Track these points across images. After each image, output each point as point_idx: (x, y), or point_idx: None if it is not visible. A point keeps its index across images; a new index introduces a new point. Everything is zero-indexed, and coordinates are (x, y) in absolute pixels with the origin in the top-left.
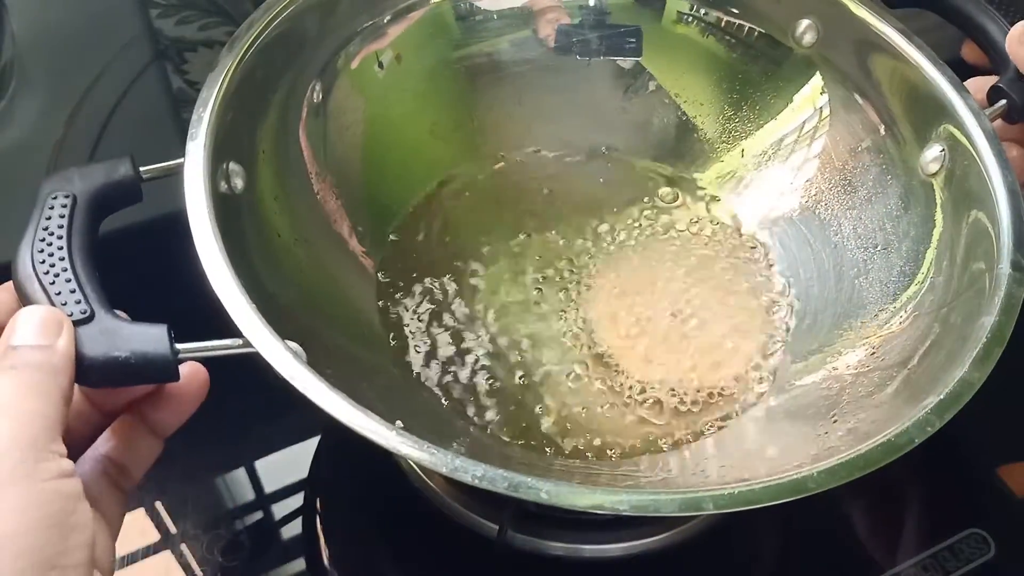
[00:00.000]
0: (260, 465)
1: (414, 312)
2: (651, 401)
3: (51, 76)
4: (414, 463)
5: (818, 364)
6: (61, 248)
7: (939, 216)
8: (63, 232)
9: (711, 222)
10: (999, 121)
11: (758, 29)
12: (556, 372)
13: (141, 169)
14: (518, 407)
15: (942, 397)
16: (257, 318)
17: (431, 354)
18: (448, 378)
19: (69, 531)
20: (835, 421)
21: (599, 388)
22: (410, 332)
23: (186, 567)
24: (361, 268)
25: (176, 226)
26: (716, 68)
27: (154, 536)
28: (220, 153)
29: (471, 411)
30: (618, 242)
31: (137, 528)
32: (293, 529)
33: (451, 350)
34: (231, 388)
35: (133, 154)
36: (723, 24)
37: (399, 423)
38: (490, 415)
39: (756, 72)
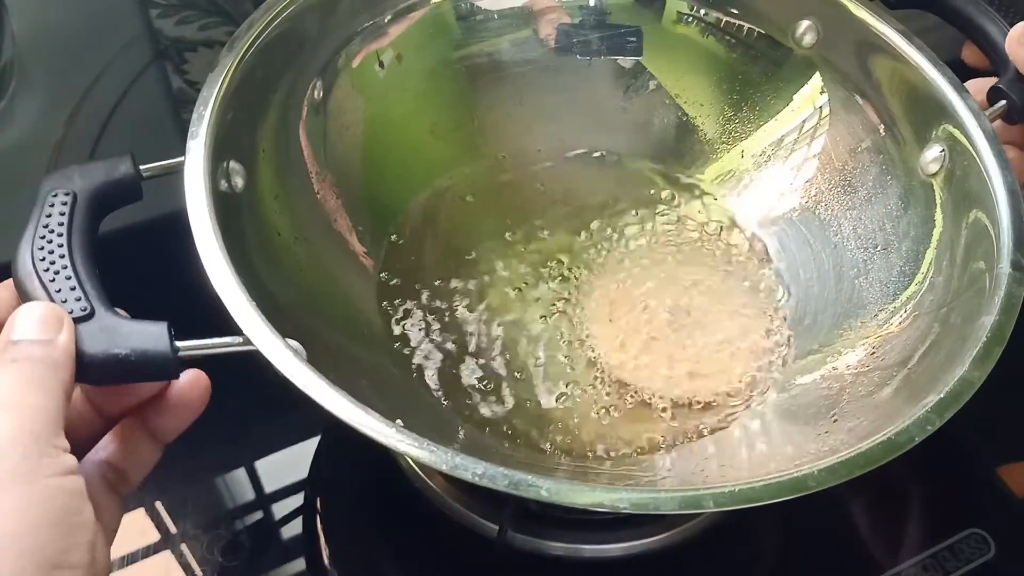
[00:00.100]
0: (260, 465)
1: (414, 312)
2: (651, 402)
3: (51, 76)
4: (414, 462)
5: (818, 364)
6: (61, 246)
7: (939, 216)
8: (63, 230)
9: (711, 222)
10: (999, 122)
11: (758, 29)
12: (557, 373)
13: (141, 167)
14: (517, 407)
15: (942, 396)
16: (257, 316)
17: (431, 354)
18: (448, 377)
19: (72, 530)
20: (835, 420)
21: (599, 389)
22: (410, 332)
23: (186, 567)
24: (361, 267)
25: (176, 225)
26: (716, 68)
27: (154, 536)
28: (220, 152)
29: (470, 410)
30: (618, 242)
31: (137, 528)
32: (293, 529)
33: (451, 350)
34: (231, 388)
35: (133, 153)
36: (723, 24)
37: (399, 422)
38: (489, 414)
39: (756, 72)
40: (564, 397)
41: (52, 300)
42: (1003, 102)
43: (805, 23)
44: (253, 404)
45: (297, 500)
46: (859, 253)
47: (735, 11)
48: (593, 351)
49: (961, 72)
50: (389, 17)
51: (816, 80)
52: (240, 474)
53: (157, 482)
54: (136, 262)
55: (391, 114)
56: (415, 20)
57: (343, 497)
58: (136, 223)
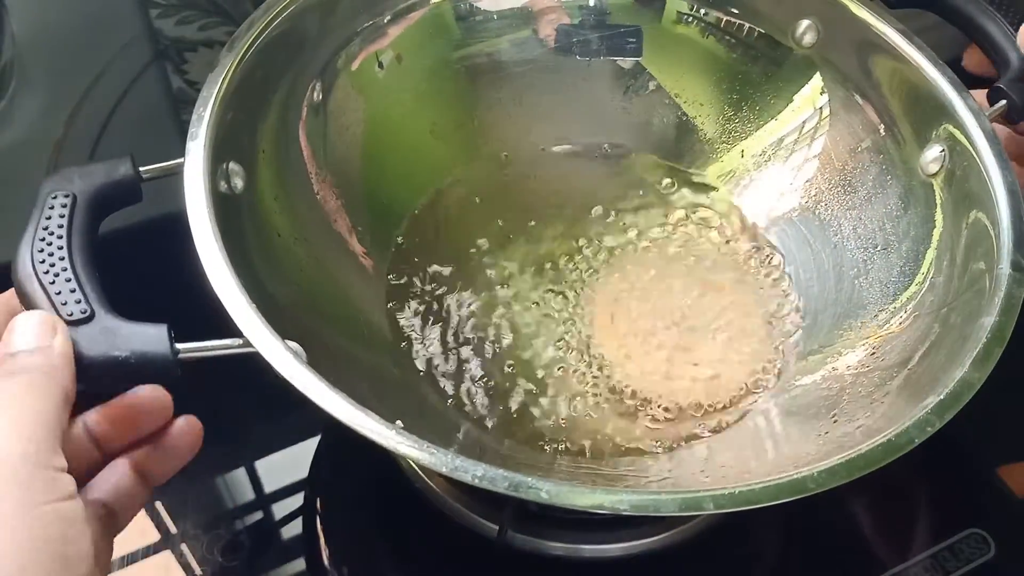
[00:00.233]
0: (260, 465)
1: (417, 313)
2: (652, 403)
3: (51, 76)
4: (414, 463)
5: (818, 364)
6: (61, 248)
7: (939, 216)
8: (63, 232)
9: (711, 222)
10: (1005, 131)
11: (758, 29)
12: (559, 373)
13: (141, 169)
14: (518, 406)
15: (942, 397)
16: (257, 318)
17: (434, 353)
18: (449, 377)
19: (68, 563)
20: (835, 421)
21: (601, 389)
22: (413, 332)
23: (186, 567)
24: (361, 268)
25: (176, 226)
26: (716, 68)
27: (154, 536)
28: (220, 153)
29: (471, 409)
30: (621, 242)
31: (137, 528)
32: (293, 529)
33: (453, 349)
34: (231, 388)
35: (133, 154)
36: (723, 24)
37: (399, 423)
38: (490, 414)
39: (756, 72)
40: (565, 397)
41: (52, 302)
42: (1003, 102)
43: (805, 23)
44: (253, 404)
45: (297, 500)
46: (859, 253)
47: (735, 11)
48: (595, 352)
49: (961, 72)
50: (389, 17)
51: (816, 80)
52: (240, 474)
53: None
54: (136, 263)
55: (391, 114)
56: (415, 20)
57: (343, 497)
58: (136, 224)
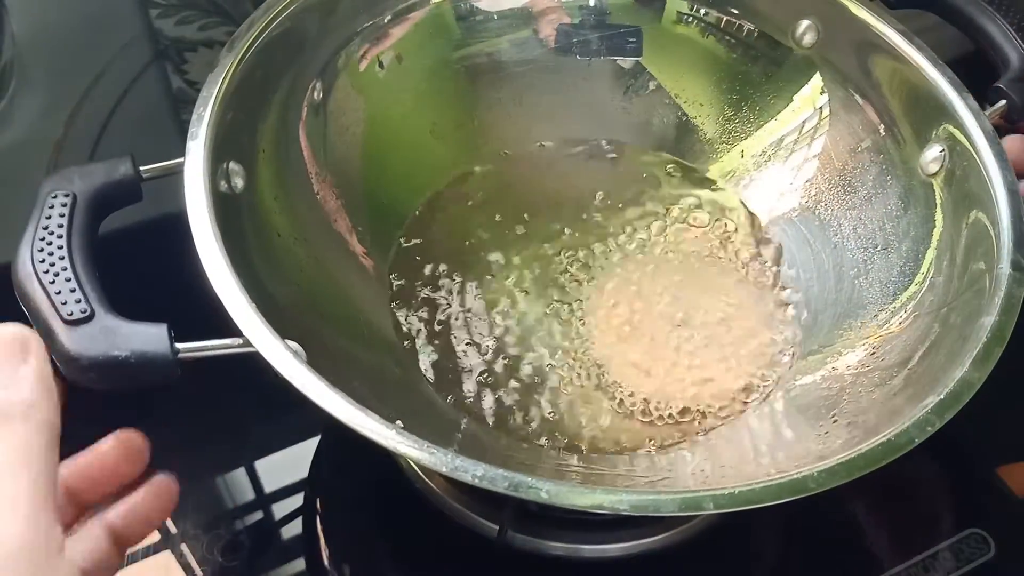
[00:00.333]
0: (260, 465)
1: (418, 312)
2: (652, 403)
3: (51, 76)
4: (414, 463)
5: (818, 364)
6: (61, 247)
7: (939, 216)
8: (63, 231)
9: (711, 222)
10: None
11: (758, 29)
12: (560, 372)
13: (141, 168)
14: (519, 406)
15: (942, 397)
16: (257, 317)
17: (435, 352)
18: (449, 377)
19: None
20: (835, 421)
21: (602, 389)
22: (415, 332)
23: (186, 567)
24: (361, 268)
25: (176, 226)
26: (716, 68)
27: (154, 536)
28: (220, 153)
29: (472, 408)
30: (622, 241)
31: None
32: (293, 529)
33: (455, 348)
34: (231, 388)
35: (133, 154)
36: (723, 24)
37: (399, 423)
38: (490, 412)
39: (756, 72)
40: (566, 397)
41: (52, 302)
42: (1003, 102)
43: (805, 23)
44: (253, 404)
45: (297, 500)
46: (859, 253)
47: (735, 11)
48: (595, 352)
49: (961, 72)
50: (389, 17)
51: (816, 80)
52: (240, 474)
53: None
54: (136, 263)
55: (391, 114)
56: (415, 20)
57: (343, 497)
58: (136, 224)
